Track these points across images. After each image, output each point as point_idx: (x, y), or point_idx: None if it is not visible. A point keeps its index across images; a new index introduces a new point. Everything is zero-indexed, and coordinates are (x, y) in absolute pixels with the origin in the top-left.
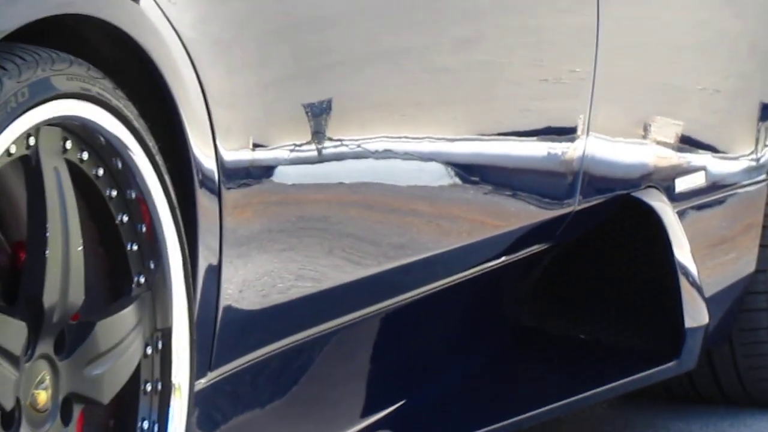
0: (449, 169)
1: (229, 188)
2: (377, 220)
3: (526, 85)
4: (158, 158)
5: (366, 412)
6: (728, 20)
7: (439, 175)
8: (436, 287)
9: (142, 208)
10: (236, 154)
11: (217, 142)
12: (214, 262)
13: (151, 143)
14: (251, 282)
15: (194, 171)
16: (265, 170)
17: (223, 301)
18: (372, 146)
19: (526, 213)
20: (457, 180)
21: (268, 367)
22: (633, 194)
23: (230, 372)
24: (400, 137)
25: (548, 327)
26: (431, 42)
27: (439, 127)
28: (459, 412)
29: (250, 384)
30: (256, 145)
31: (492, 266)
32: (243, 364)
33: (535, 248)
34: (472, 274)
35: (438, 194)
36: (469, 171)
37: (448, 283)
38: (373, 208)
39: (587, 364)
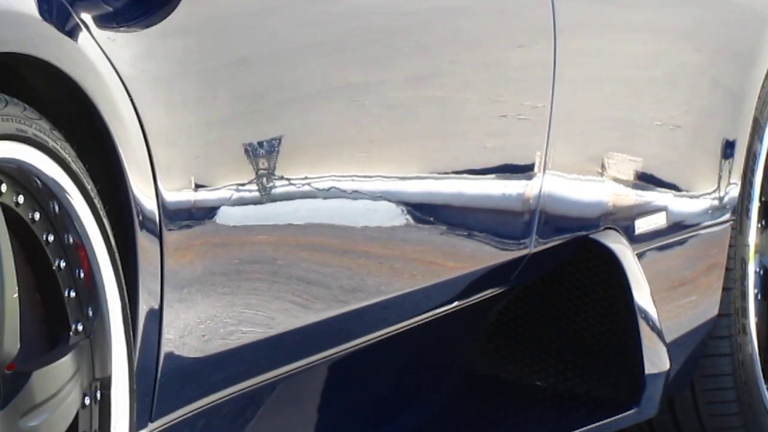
0: (402, 208)
1: (170, 229)
2: (327, 263)
3: (482, 122)
4: (97, 201)
5: None
6: (689, 54)
7: (391, 215)
8: (388, 333)
9: (80, 253)
10: (178, 194)
11: (158, 183)
12: (156, 306)
13: (90, 186)
14: (194, 327)
15: (134, 212)
16: (208, 211)
17: (165, 348)
18: (321, 185)
19: (481, 255)
20: (411, 220)
21: (212, 418)
22: (591, 236)
23: (172, 423)
24: (350, 176)
25: (503, 373)
26: (384, 78)
27: (392, 165)
28: None
29: None
30: (198, 186)
31: (445, 311)
32: (186, 414)
33: (490, 292)
34: (425, 319)
35: (390, 235)
36: (423, 211)
37: (401, 328)
38: (323, 250)
39: (543, 411)
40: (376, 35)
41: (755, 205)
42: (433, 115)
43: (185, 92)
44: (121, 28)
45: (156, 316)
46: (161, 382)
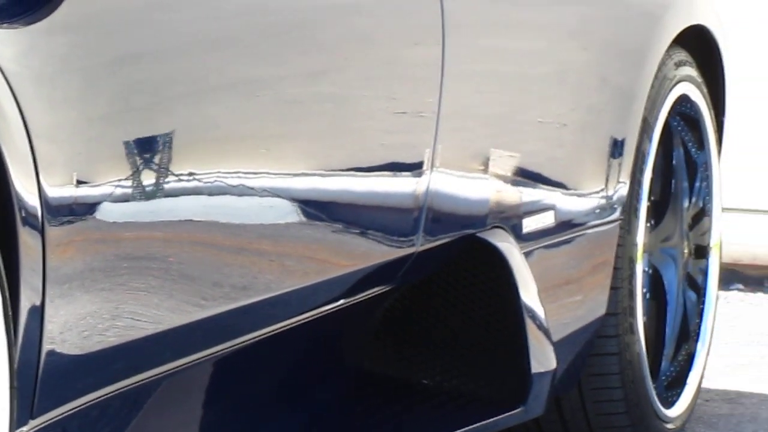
0: (292, 205)
1: (52, 225)
2: (212, 259)
3: (373, 119)
4: None
5: None
6: (576, 52)
7: (280, 212)
8: (275, 330)
9: None
10: (60, 190)
11: (41, 178)
12: (37, 302)
13: None
14: (75, 323)
15: (16, 207)
16: (90, 207)
17: (46, 345)
18: (208, 182)
19: (369, 253)
20: (300, 217)
21: (95, 414)
22: (478, 234)
23: (54, 419)
24: (240, 172)
25: (391, 371)
26: (277, 74)
27: (283, 162)
28: None
29: None
30: (80, 182)
31: (333, 308)
32: (68, 411)
33: (378, 290)
34: (312, 316)
35: (279, 232)
36: (313, 208)
37: (288, 325)
38: (208, 247)
39: (429, 410)
40: (270, 31)
41: (644, 205)
42: (326, 111)
43: (68, 89)
44: (4, 25)
45: (37, 312)
46: (42, 378)
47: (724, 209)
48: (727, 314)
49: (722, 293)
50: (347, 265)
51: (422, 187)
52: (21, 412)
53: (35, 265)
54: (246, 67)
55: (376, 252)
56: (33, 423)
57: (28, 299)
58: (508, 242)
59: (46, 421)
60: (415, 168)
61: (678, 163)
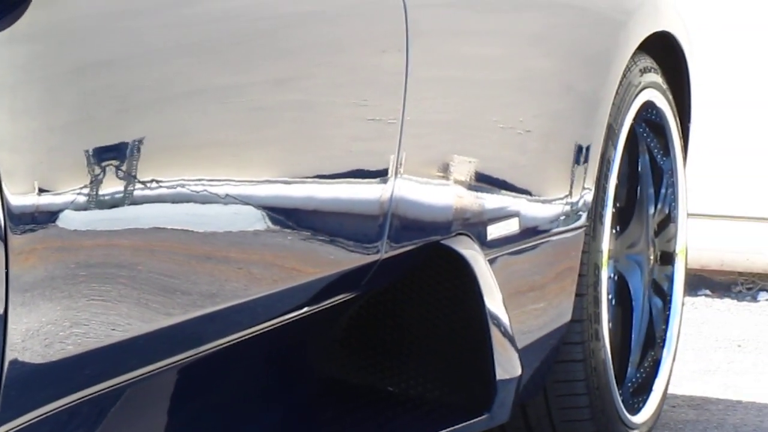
0: (258, 212)
1: (15, 233)
2: (176, 267)
3: (339, 126)
4: None
5: None
6: (540, 59)
7: (246, 220)
8: (240, 337)
9: None
10: (22, 198)
11: (3, 186)
12: (0, 310)
13: None
14: (39, 332)
15: None
16: (52, 215)
17: (9, 353)
18: (172, 189)
19: (333, 260)
20: (267, 224)
21: (60, 423)
22: (443, 242)
23: (17, 428)
24: (203, 179)
25: (356, 378)
26: (240, 81)
27: (247, 169)
28: None
29: None
30: (42, 190)
31: (298, 315)
32: (32, 420)
33: (342, 297)
34: (277, 323)
35: (245, 239)
36: (280, 215)
37: (252, 333)
38: (172, 254)
39: (394, 417)
40: (235, 39)
41: (609, 212)
42: (292, 119)
43: (29, 98)
44: None
45: (0, 321)
46: (6, 386)
47: (691, 215)
48: (694, 320)
49: (689, 299)
50: (312, 272)
51: (387, 194)
52: None
53: None
54: (211, 75)
55: (341, 259)
56: None
57: None
58: (473, 249)
59: (10, 429)
60: (379, 175)
61: (643, 169)
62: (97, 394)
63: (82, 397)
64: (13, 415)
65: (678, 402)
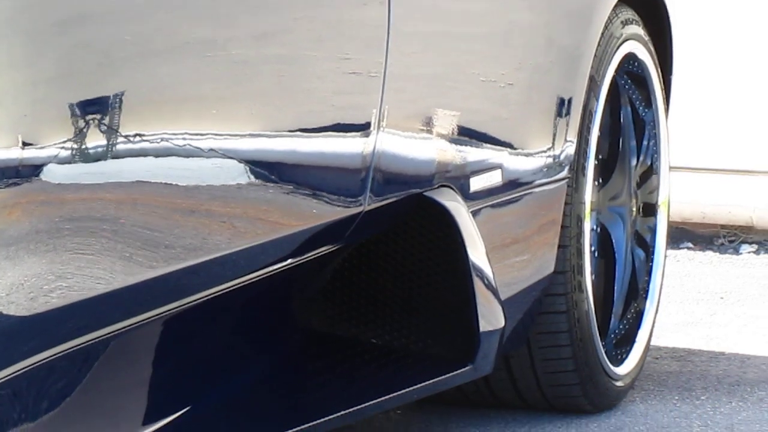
0: (240, 165)
1: None
2: (158, 220)
3: (322, 79)
4: None
5: (148, 420)
6: (522, 12)
7: (228, 173)
8: (223, 289)
9: None
10: (6, 152)
11: None
12: None
13: None
14: (21, 285)
15: None
16: (35, 169)
17: None
18: (156, 143)
19: (316, 212)
20: (249, 177)
21: (41, 376)
22: (426, 193)
23: (3, 381)
24: (187, 133)
25: (339, 331)
26: (222, 35)
27: (230, 123)
28: (245, 419)
29: (22, 394)
30: (25, 144)
31: (281, 267)
32: (13, 373)
33: (325, 249)
34: (261, 275)
35: (227, 192)
36: (261, 168)
37: (236, 285)
38: (156, 208)
39: (378, 368)
40: None
41: (591, 163)
42: (274, 72)
43: (12, 51)
44: None
45: None
46: None
47: (672, 168)
48: (676, 273)
49: (672, 252)
50: (295, 224)
51: (369, 147)
52: None
53: None
54: (193, 28)
55: (324, 211)
56: None
57: None
58: (456, 201)
59: None
60: (362, 128)
61: (625, 121)
62: (82, 346)
63: (66, 350)
64: None
65: (661, 354)
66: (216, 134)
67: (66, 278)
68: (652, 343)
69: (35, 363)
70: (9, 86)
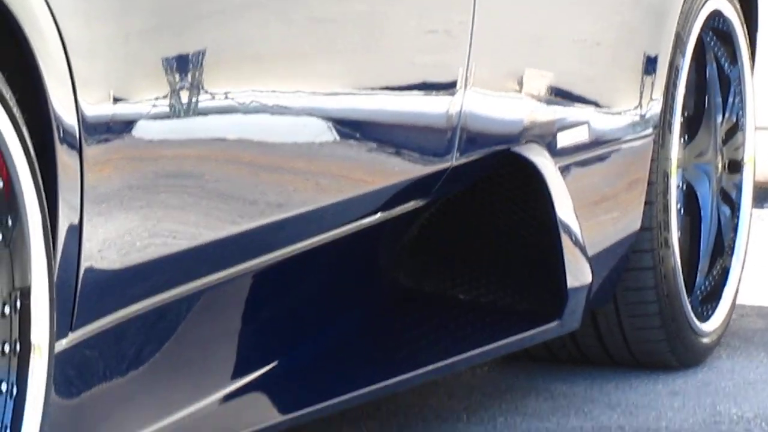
0: (326, 123)
1: (90, 144)
2: (248, 176)
3: (407, 38)
4: (15, 109)
5: (237, 374)
6: None
7: (315, 130)
8: (311, 244)
9: None
10: (97, 108)
11: (78, 95)
12: (75, 220)
13: (8, 94)
14: (113, 241)
15: (54, 126)
16: (127, 125)
17: (85, 261)
18: (244, 100)
19: (403, 168)
20: (334, 135)
21: (134, 328)
22: (513, 149)
23: (93, 333)
24: (275, 90)
25: (426, 286)
26: None
27: (316, 81)
28: (333, 373)
29: (114, 345)
30: (117, 99)
31: (368, 223)
32: (107, 325)
33: (412, 204)
34: (347, 231)
35: (313, 150)
36: (348, 126)
37: (323, 240)
38: (244, 164)
39: (466, 324)
40: None
41: (677, 120)
42: (360, 30)
43: (105, 4)
44: None
45: (76, 230)
46: (81, 293)
47: (758, 128)
48: (761, 232)
49: (757, 211)
50: (384, 179)
51: (457, 105)
52: (61, 325)
53: (73, 184)
54: None
55: (413, 167)
56: (72, 336)
57: (66, 217)
58: (543, 157)
59: (86, 334)
60: (449, 87)
61: (711, 78)
62: (169, 300)
63: (155, 304)
64: (89, 320)
65: (746, 312)
66: (304, 92)
67: (156, 234)
68: (738, 301)
69: (124, 316)
70: (101, 39)
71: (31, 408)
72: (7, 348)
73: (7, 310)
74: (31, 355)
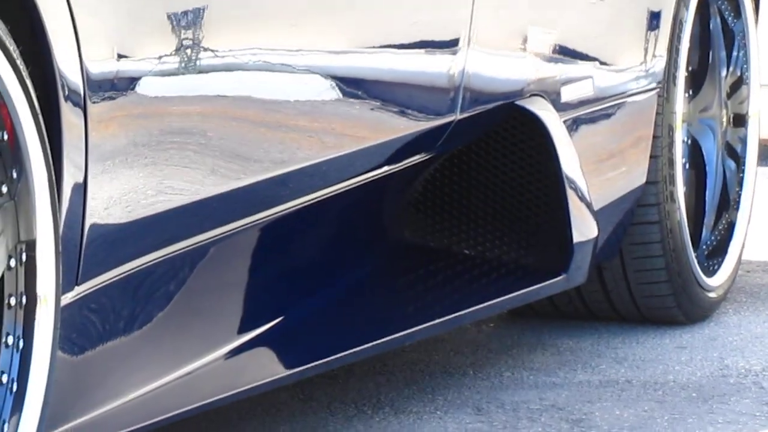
0: (329, 80)
1: (94, 101)
2: (252, 132)
3: None
4: (19, 62)
5: (243, 328)
6: None
7: (318, 86)
8: (314, 199)
9: (3, 111)
10: (101, 64)
11: (82, 52)
12: (80, 178)
13: (12, 46)
14: (118, 198)
15: (59, 83)
16: (131, 81)
17: (90, 218)
18: (247, 57)
19: (405, 122)
20: (337, 91)
21: (139, 282)
22: (518, 102)
23: (99, 286)
24: (277, 48)
25: (431, 242)
26: None
27: (318, 38)
28: (338, 328)
29: (120, 299)
30: (121, 55)
31: (371, 177)
32: (112, 278)
33: (416, 158)
34: (350, 185)
35: (317, 106)
36: (349, 82)
37: (327, 194)
38: (248, 120)
39: (471, 279)
40: None
41: (682, 73)
42: None
43: None
44: None
45: (80, 187)
46: (87, 247)
47: (764, 85)
48: (766, 189)
49: (760, 169)
50: (386, 134)
51: (460, 61)
52: (67, 278)
53: (78, 141)
54: None
55: (416, 121)
56: (78, 289)
57: (71, 175)
58: (548, 110)
59: (92, 287)
60: (452, 44)
61: (715, 32)
62: (173, 254)
63: (159, 258)
64: (94, 273)
65: (753, 267)
66: (307, 50)
67: (161, 189)
68: (744, 257)
69: (129, 270)
70: None
71: (37, 361)
72: (13, 301)
73: (12, 262)
74: (37, 307)
